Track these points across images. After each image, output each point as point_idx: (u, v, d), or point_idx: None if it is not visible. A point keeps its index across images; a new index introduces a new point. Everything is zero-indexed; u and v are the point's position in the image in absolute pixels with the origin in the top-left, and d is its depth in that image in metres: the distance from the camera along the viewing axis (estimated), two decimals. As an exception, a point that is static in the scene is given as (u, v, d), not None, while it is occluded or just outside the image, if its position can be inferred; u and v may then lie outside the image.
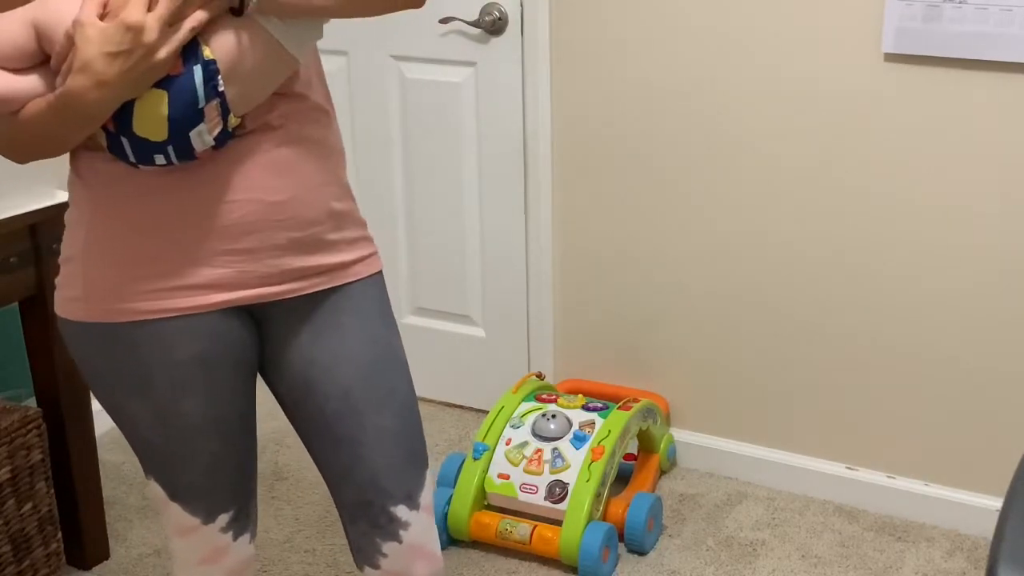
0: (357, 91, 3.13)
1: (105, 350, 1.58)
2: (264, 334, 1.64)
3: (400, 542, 1.69)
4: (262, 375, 1.70)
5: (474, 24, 2.90)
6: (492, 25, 2.88)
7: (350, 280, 1.64)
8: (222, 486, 1.69)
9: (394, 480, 1.67)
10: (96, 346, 1.58)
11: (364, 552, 1.71)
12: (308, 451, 1.72)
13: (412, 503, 1.69)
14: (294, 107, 1.56)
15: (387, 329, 1.69)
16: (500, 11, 2.87)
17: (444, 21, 2.92)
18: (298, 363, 1.64)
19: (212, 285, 1.54)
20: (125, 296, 1.53)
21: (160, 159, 1.45)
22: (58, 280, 1.60)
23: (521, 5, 2.85)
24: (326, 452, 1.68)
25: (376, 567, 1.71)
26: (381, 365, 1.66)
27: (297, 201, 1.55)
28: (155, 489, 1.69)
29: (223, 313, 1.57)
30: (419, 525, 1.70)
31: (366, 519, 1.68)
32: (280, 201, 1.54)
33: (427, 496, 1.71)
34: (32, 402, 2.57)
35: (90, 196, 1.54)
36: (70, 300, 1.57)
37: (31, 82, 1.43)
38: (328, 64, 3.10)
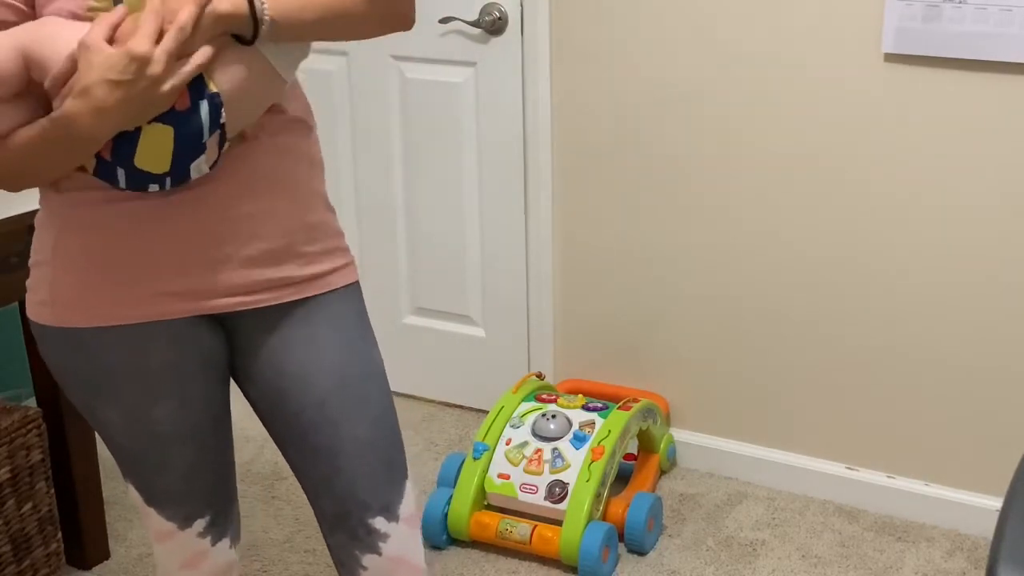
0: (357, 91, 3.13)
1: (74, 355, 1.57)
2: (234, 343, 1.63)
3: (380, 554, 1.67)
4: (235, 382, 1.68)
5: (474, 24, 2.90)
6: (492, 25, 2.88)
7: (323, 291, 1.62)
8: (198, 492, 1.68)
9: (371, 491, 1.65)
10: (66, 351, 1.58)
11: (345, 565, 1.70)
12: (286, 461, 1.71)
13: (390, 515, 1.66)
14: (273, 120, 1.55)
15: (363, 339, 1.67)
16: (500, 11, 2.87)
17: (444, 21, 2.92)
18: (269, 373, 1.62)
19: (182, 293, 1.53)
20: (93, 301, 1.53)
21: (154, 187, 1.44)
22: (28, 283, 1.60)
23: (521, 5, 2.85)
24: (303, 462, 1.67)
25: None
26: (356, 375, 1.64)
27: (271, 212, 1.54)
28: (133, 493, 1.69)
29: (192, 320, 1.56)
30: (399, 537, 1.67)
31: (344, 531, 1.67)
32: (253, 212, 1.53)
33: (407, 507, 1.68)
34: (32, 402, 2.58)
35: (61, 200, 1.52)
36: (39, 304, 1.57)
37: (13, 111, 1.41)
38: (328, 64, 3.14)
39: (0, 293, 2.29)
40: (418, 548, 1.72)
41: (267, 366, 1.62)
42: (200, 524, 1.70)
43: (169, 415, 1.60)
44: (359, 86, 3.12)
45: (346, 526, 1.66)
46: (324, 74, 3.10)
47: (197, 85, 1.39)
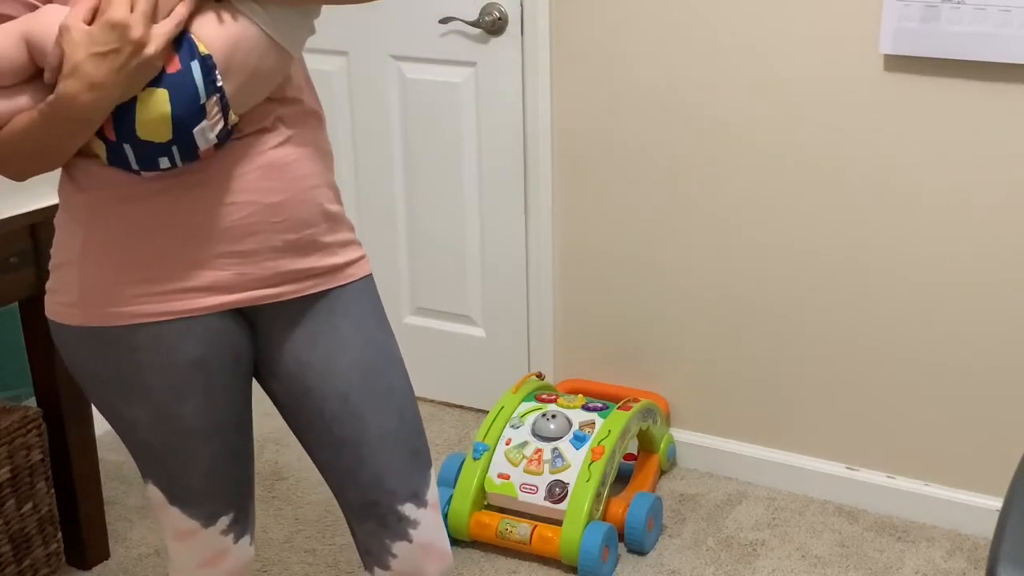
0: (357, 91, 3.13)
1: (102, 354, 1.57)
2: (258, 336, 1.64)
3: (410, 541, 1.69)
4: (256, 376, 1.69)
5: (474, 24, 2.90)
6: (492, 25, 2.88)
7: (343, 283, 1.64)
8: (221, 489, 1.69)
9: (399, 479, 1.67)
10: (92, 351, 1.58)
11: (373, 554, 1.71)
12: (308, 454, 1.72)
13: (419, 501, 1.69)
14: (288, 111, 1.56)
15: (382, 331, 1.69)
16: (500, 11, 2.87)
17: (444, 21, 2.92)
18: (293, 366, 1.64)
19: (210, 288, 1.54)
20: (122, 300, 1.53)
21: (164, 162, 1.44)
22: (49, 285, 1.59)
23: (521, 5, 2.85)
24: (327, 455, 1.68)
25: (386, 568, 1.70)
26: (378, 366, 1.66)
27: (293, 203, 1.55)
28: (154, 492, 1.69)
29: (220, 316, 1.57)
30: (428, 523, 1.70)
31: (374, 519, 1.68)
32: (277, 203, 1.54)
33: (433, 494, 1.71)
34: (32, 402, 2.58)
35: (85, 200, 1.53)
36: (65, 305, 1.56)
37: (18, 98, 1.42)
38: (328, 64, 3.14)
39: (0, 293, 2.29)
40: (444, 534, 1.74)
41: (291, 359, 1.63)
42: (224, 522, 1.70)
43: (196, 411, 1.60)
44: (359, 86, 3.12)
45: (375, 515, 1.68)
46: (324, 74, 3.10)
47: (188, 48, 1.40)
